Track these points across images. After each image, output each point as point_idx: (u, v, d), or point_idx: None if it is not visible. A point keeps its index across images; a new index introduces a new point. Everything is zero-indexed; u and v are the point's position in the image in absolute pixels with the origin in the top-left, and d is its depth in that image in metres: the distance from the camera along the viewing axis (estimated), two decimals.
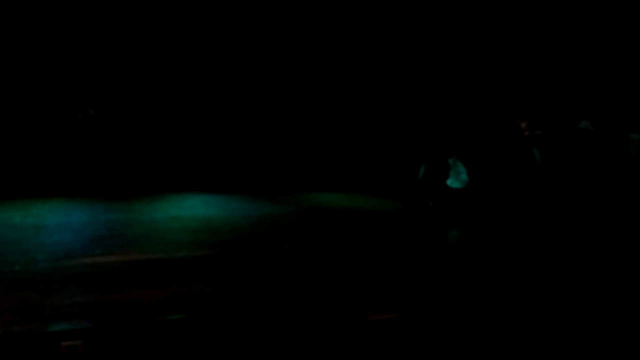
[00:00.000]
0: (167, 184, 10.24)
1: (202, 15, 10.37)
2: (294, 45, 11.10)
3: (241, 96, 11.16)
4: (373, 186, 9.40)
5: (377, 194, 9.35)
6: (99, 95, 10.27)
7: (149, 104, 10.58)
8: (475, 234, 6.18)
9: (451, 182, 8.40)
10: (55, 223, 6.28)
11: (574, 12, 10.02)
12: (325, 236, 5.85)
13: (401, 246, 5.41)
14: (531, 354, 3.36)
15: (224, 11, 10.46)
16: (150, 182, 10.29)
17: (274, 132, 11.29)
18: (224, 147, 11.00)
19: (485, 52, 10.65)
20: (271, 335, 3.21)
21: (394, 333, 3.34)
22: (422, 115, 10.59)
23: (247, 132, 11.24)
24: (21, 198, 8.36)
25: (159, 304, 3.38)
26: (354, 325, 3.33)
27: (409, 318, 3.41)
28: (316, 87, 11.42)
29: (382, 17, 10.79)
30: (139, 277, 3.95)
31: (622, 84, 9.66)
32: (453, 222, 7.02)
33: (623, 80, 9.70)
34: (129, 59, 10.34)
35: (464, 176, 8.20)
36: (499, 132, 7.50)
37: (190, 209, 7.64)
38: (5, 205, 7.62)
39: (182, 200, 8.58)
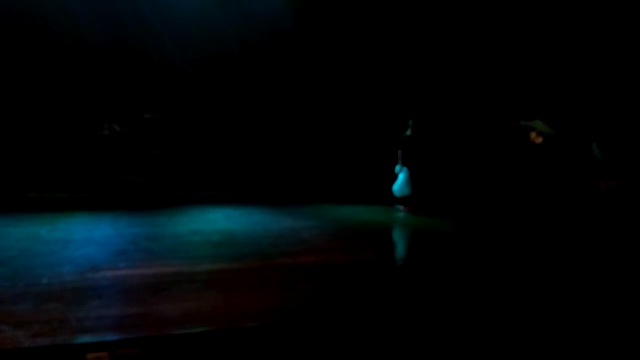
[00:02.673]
0: (191, 197, 10.40)
1: (234, 28, 10.45)
2: (308, 56, 11.23)
3: (258, 108, 11.30)
4: (392, 199, 9.39)
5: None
6: (124, 111, 10.49)
7: (173, 119, 10.77)
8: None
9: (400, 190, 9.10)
10: (81, 237, 6.40)
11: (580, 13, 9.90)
12: (347, 251, 5.86)
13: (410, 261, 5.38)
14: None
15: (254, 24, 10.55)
16: (175, 196, 10.46)
17: (294, 145, 11.40)
18: (245, 160, 11.14)
19: (489, 57, 10.57)
20: (294, 350, 3.23)
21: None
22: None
23: (267, 144, 11.37)
24: (48, 212, 8.55)
25: (183, 317, 3.42)
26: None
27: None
28: (333, 99, 11.52)
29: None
30: (163, 290, 4.00)
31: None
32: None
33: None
34: (154, 76, 10.55)
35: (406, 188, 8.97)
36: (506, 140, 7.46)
37: (213, 223, 7.72)
38: (33, 219, 7.78)
39: (204, 214, 8.68)
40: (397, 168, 9.21)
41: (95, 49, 10.13)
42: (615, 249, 5.75)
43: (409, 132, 9.21)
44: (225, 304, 3.69)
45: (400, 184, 9.13)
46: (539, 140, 6.56)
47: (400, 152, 9.17)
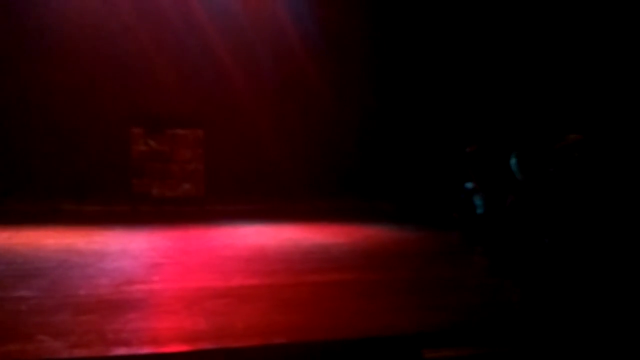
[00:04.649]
0: (223, 211, 10.51)
1: None
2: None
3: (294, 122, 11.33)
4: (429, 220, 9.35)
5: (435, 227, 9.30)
6: (159, 125, 10.66)
7: (209, 132, 10.87)
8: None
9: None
10: (116, 249, 6.54)
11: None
12: (378, 268, 5.83)
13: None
14: None
15: None
16: (207, 210, 10.59)
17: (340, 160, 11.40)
18: (281, 174, 11.18)
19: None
20: None
21: None
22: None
23: (301, 158, 11.41)
24: (84, 224, 8.76)
25: (216, 331, 3.44)
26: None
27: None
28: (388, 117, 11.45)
29: None
30: (196, 305, 4.04)
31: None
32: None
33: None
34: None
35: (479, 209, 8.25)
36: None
37: (244, 238, 7.80)
38: (70, 231, 7.98)
39: (236, 229, 8.76)
40: (467, 185, 8.50)
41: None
42: None
43: (475, 149, 8.55)
44: (258, 320, 3.70)
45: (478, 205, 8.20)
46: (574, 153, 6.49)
47: (470, 170, 8.44)
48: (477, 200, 8.44)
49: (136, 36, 10.32)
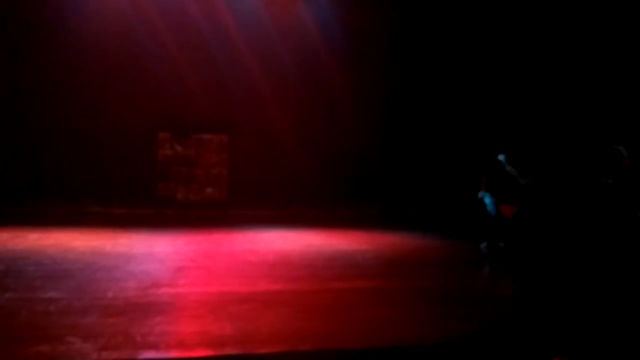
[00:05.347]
0: (246, 216, 10.57)
1: None
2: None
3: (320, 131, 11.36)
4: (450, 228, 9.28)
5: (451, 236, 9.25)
6: (184, 130, 10.76)
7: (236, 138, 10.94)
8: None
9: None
10: (142, 252, 6.62)
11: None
12: (401, 276, 5.80)
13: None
14: None
15: None
16: (230, 215, 10.66)
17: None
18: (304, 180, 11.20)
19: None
20: None
21: None
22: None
23: (324, 164, 11.42)
24: (110, 227, 8.88)
25: (242, 336, 3.46)
26: None
27: None
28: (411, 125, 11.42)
29: None
30: (222, 309, 4.06)
31: None
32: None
33: None
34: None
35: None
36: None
37: (268, 243, 7.82)
38: (96, 234, 8.10)
39: (259, 234, 8.80)
40: (480, 194, 8.67)
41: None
42: None
43: (500, 157, 8.74)
44: (283, 326, 3.71)
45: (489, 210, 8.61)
46: (625, 164, 6.44)
47: (485, 177, 8.67)
48: (487, 200, 8.61)
49: (164, 42, 10.46)
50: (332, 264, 6.24)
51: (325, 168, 11.45)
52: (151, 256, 6.37)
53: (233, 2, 10.79)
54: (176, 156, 10.70)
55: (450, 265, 6.77)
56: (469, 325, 3.88)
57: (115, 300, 4.24)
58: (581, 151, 9.16)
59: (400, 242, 8.38)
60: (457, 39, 11.28)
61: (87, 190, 10.46)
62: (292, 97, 11.39)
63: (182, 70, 10.64)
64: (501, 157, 7.66)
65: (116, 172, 10.49)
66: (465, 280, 6.29)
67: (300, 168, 11.24)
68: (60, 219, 9.56)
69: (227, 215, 10.77)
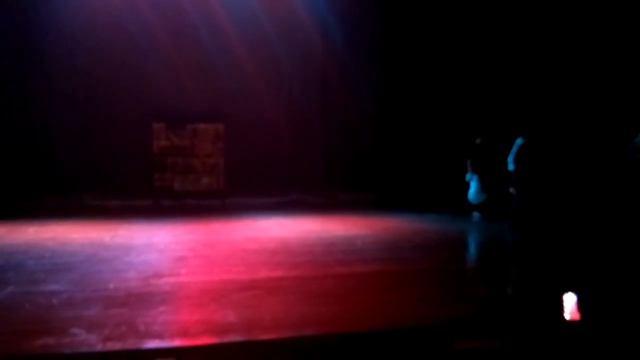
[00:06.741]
0: (243, 204, 10.58)
1: None
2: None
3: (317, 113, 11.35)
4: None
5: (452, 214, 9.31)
6: (180, 120, 10.73)
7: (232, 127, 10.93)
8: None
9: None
10: (141, 243, 6.62)
11: None
12: (401, 260, 5.83)
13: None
14: None
15: None
16: (227, 203, 10.65)
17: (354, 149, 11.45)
18: (298, 166, 11.21)
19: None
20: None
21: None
22: None
23: (318, 149, 11.43)
24: (108, 218, 8.87)
25: (245, 324, 3.48)
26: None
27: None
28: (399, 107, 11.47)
29: None
30: (224, 297, 4.08)
31: None
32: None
33: None
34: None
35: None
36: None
37: (266, 231, 7.83)
38: (95, 226, 8.09)
39: (257, 222, 8.81)
40: (468, 176, 9.20)
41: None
42: None
43: (478, 141, 9.21)
44: (286, 313, 3.73)
45: (474, 191, 9.15)
46: None
47: (469, 160, 9.16)
48: (473, 184, 9.21)
49: (157, 33, 10.36)
50: (331, 249, 6.26)
51: (320, 154, 11.45)
52: (151, 247, 6.38)
53: None
54: (172, 147, 10.65)
55: (449, 247, 6.81)
56: (474, 307, 3.92)
57: (117, 291, 4.25)
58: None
59: (398, 225, 8.41)
60: (447, 29, 11.34)
61: (83, 183, 10.42)
62: (287, 85, 11.34)
63: (175, 60, 10.56)
64: (519, 141, 7.67)
65: (112, 164, 10.44)
66: (466, 261, 6.36)
67: (295, 155, 11.22)
68: (57, 211, 9.52)
69: (224, 204, 10.77)
